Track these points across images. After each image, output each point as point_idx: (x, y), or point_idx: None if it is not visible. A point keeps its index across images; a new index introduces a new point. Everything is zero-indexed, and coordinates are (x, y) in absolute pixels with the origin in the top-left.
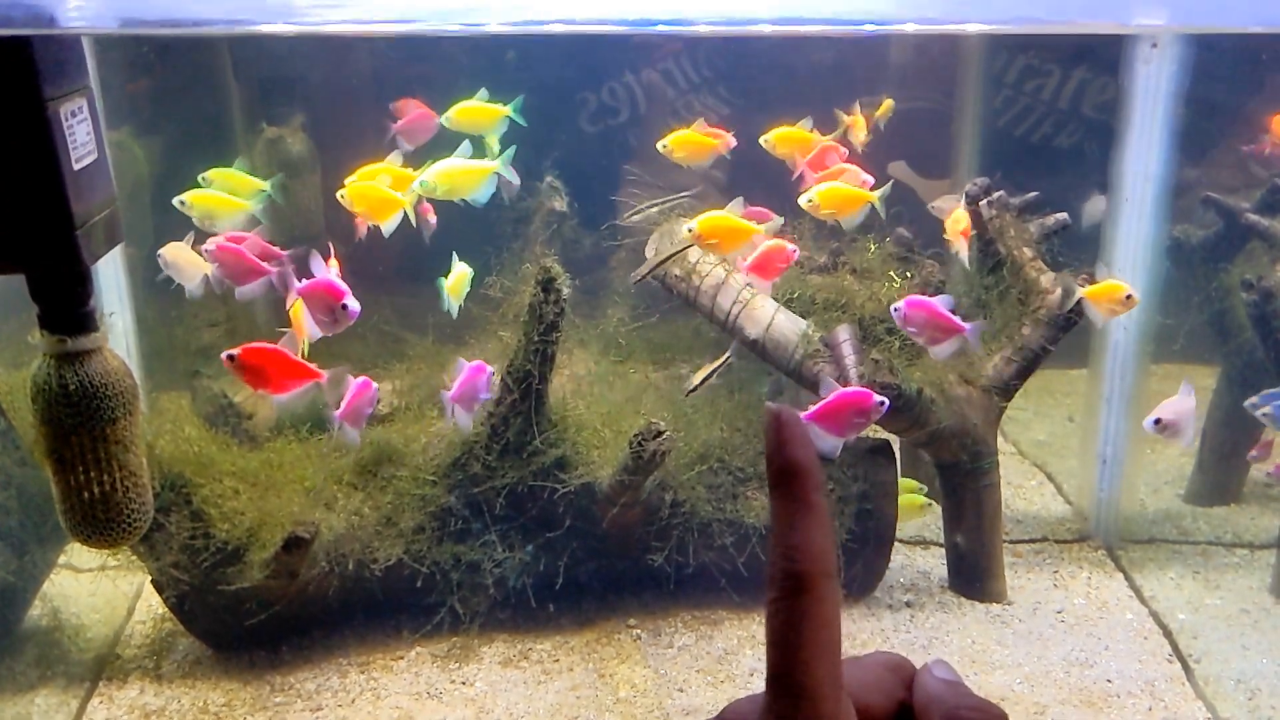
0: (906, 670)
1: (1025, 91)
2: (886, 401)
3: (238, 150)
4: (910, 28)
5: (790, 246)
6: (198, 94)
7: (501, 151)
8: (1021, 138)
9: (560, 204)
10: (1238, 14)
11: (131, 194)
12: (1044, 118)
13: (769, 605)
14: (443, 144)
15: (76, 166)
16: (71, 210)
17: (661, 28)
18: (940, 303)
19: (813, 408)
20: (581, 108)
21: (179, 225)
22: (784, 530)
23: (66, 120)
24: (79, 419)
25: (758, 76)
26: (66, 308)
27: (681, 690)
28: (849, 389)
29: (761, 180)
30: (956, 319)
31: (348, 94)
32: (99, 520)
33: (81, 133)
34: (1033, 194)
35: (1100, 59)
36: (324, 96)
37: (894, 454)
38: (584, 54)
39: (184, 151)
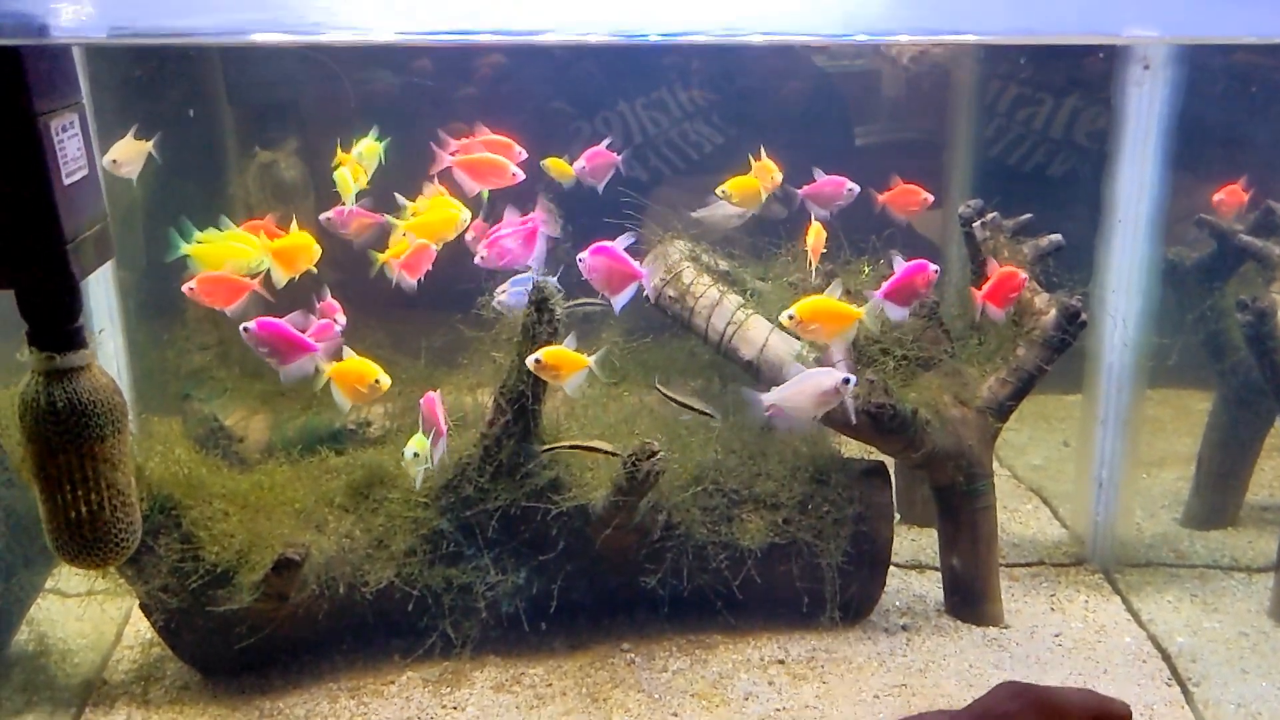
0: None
1: (1017, 121)
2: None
3: (230, 174)
4: (904, 38)
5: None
6: (192, 117)
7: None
8: (1014, 167)
9: (554, 227)
10: (1229, 25)
11: (125, 217)
12: (1036, 147)
13: None
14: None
15: (67, 181)
16: (61, 225)
17: (655, 38)
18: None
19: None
20: (576, 136)
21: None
22: None
23: (57, 135)
24: (67, 437)
25: (750, 104)
26: (55, 323)
27: (675, 715)
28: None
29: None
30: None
31: (342, 119)
32: (86, 539)
33: (72, 148)
34: (1026, 215)
35: (1092, 86)
36: (318, 121)
37: (889, 476)
38: (579, 82)
39: (177, 175)
